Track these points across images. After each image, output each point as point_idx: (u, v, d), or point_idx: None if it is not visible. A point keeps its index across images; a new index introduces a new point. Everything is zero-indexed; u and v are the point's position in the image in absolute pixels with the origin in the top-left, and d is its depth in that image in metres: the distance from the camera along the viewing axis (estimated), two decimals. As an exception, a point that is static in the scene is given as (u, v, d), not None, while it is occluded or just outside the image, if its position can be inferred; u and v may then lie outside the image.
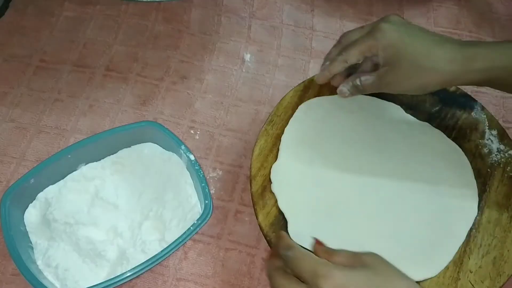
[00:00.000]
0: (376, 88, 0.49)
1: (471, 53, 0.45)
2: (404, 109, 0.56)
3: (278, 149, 0.52)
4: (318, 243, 0.40)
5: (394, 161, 0.52)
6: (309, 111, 0.54)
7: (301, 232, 0.47)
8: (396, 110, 0.55)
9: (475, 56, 0.45)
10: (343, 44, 0.50)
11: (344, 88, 0.50)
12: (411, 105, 0.56)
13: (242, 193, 0.55)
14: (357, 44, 0.48)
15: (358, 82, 0.49)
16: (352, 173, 0.51)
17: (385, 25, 0.46)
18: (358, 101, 0.54)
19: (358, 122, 0.54)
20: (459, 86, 0.58)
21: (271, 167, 0.51)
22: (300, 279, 0.36)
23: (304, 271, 0.36)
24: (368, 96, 0.54)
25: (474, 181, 0.51)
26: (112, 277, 0.45)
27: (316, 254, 0.38)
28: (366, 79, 0.48)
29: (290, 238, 0.40)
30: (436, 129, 0.55)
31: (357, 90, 0.50)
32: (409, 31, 0.47)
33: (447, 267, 0.47)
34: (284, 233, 0.40)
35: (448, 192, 0.50)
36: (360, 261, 0.37)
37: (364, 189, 0.50)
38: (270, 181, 0.51)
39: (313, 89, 0.57)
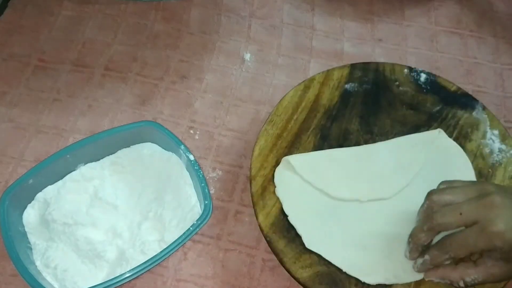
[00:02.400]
0: (483, 283, 0.43)
1: None
2: (405, 109, 0.56)
3: (278, 149, 0.52)
4: None
5: (397, 162, 0.52)
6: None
7: (312, 236, 0.47)
8: None
9: None
10: (437, 230, 0.43)
11: (436, 280, 0.44)
12: (412, 104, 0.56)
13: (242, 193, 0.54)
14: (467, 244, 0.41)
15: (461, 283, 0.42)
16: (355, 174, 0.51)
17: (501, 224, 0.39)
18: None
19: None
20: (459, 86, 0.58)
21: (271, 167, 0.51)
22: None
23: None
24: None
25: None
26: (111, 278, 0.44)
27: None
28: (475, 278, 0.42)
29: None
30: (437, 129, 0.54)
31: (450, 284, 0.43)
32: None
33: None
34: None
35: None
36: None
37: (366, 189, 0.50)
38: (270, 181, 0.50)
39: (313, 88, 0.57)
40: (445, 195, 0.43)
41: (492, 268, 0.41)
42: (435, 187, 0.46)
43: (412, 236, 0.45)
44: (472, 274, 0.42)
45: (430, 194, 0.44)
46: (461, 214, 0.41)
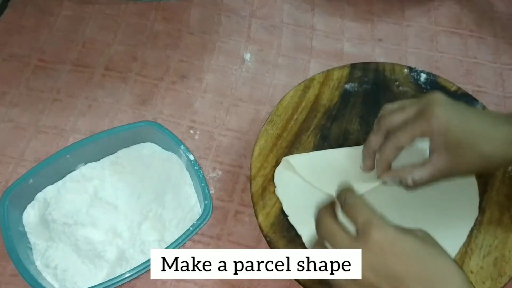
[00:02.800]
0: (431, 181, 0.44)
1: None
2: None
3: (278, 149, 0.52)
4: None
5: (395, 163, 0.52)
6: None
7: (312, 236, 0.47)
8: None
9: None
10: (384, 129, 0.46)
11: (388, 181, 0.46)
12: (412, 104, 0.56)
13: (242, 193, 0.54)
14: (409, 128, 0.43)
15: (410, 183, 0.44)
16: (355, 176, 0.51)
17: (438, 109, 0.42)
18: None
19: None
20: (459, 86, 0.58)
21: (271, 167, 0.51)
22: (352, 223, 0.37)
23: (359, 218, 0.36)
24: None
25: (475, 181, 0.51)
26: (111, 278, 0.44)
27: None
28: (422, 176, 0.43)
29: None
30: None
31: (405, 187, 0.45)
32: (463, 113, 0.43)
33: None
34: (350, 185, 0.40)
35: (449, 192, 0.50)
36: (412, 231, 0.37)
37: (367, 190, 0.50)
38: (270, 181, 0.50)
39: (313, 88, 0.57)
40: (395, 104, 0.47)
41: (436, 163, 0.43)
42: (435, 188, 0.46)
43: (364, 144, 0.48)
44: (419, 170, 0.43)
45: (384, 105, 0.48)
46: (404, 109, 0.45)
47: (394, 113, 0.46)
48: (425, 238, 0.37)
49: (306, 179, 0.50)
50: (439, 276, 0.35)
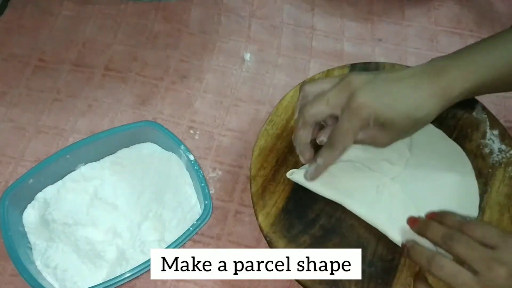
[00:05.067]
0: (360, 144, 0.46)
1: (444, 82, 0.45)
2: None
3: (278, 149, 0.52)
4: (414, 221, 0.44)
5: (398, 162, 0.52)
6: None
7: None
8: None
9: (450, 82, 0.45)
10: (311, 123, 0.45)
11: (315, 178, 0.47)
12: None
13: (242, 193, 0.54)
14: (349, 131, 0.43)
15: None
16: (355, 178, 0.51)
17: (360, 94, 0.42)
18: None
19: None
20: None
21: (271, 167, 0.51)
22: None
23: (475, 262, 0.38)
24: None
25: (475, 182, 0.51)
26: (111, 278, 0.45)
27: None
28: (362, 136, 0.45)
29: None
30: (437, 129, 0.54)
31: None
32: (383, 90, 0.43)
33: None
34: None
35: (449, 192, 0.50)
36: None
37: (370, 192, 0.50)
38: (270, 181, 0.50)
39: (313, 88, 0.57)
40: (314, 85, 0.46)
41: (375, 137, 0.45)
42: (436, 188, 0.47)
43: (294, 138, 0.47)
44: (363, 133, 0.44)
45: (303, 84, 0.46)
46: (328, 101, 0.44)
47: (317, 104, 0.44)
48: None
49: (313, 189, 0.50)
50: None
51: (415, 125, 0.45)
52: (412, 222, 0.45)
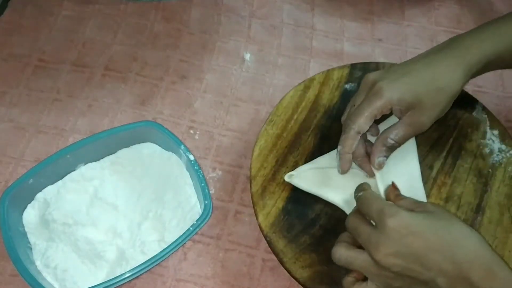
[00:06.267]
0: (411, 136, 0.48)
1: (459, 51, 0.47)
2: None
3: (278, 149, 0.52)
4: (394, 187, 0.44)
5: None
6: None
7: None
8: None
9: (466, 49, 0.47)
10: (356, 132, 0.47)
11: (380, 158, 0.47)
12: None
13: (242, 193, 0.54)
14: (364, 111, 0.45)
15: (391, 142, 0.47)
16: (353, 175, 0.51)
17: (382, 83, 0.45)
18: None
19: None
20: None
21: (271, 167, 0.51)
22: (367, 217, 0.40)
23: (372, 210, 0.39)
24: None
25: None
26: (111, 278, 0.44)
27: (387, 196, 0.43)
28: (397, 134, 0.47)
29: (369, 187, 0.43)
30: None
31: (392, 149, 0.48)
32: (402, 72, 0.46)
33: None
34: (364, 183, 0.43)
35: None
36: (424, 207, 0.40)
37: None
38: (270, 181, 0.50)
39: (313, 88, 0.57)
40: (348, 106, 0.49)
41: (404, 121, 0.46)
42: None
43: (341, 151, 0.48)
44: (393, 131, 0.47)
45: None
46: (354, 105, 0.47)
47: (347, 111, 0.49)
48: (435, 212, 0.39)
49: (312, 192, 0.50)
50: (455, 241, 0.37)
51: (442, 96, 0.46)
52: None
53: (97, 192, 0.51)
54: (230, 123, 0.59)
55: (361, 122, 0.45)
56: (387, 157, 0.48)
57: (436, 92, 0.46)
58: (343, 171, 0.48)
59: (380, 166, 0.48)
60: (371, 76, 0.47)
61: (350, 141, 0.46)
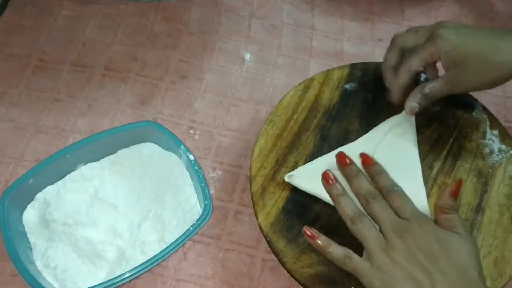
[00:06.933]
0: (446, 92, 0.49)
1: None
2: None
3: (278, 149, 0.52)
4: None
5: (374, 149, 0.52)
6: None
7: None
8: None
9: None
10: (398, 46, 0.51)
11: (413, 102, 0.50)
12: (412, 104, 0.56)
13: (242, 193, 0.54)
14: (418, 52, 0.48)
15: (427, 90, 0.49)
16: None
17: (443, 30, 0.47)
18: None
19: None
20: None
21: (271, 167, 0.51)
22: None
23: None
24: None
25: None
26: (111, 278, 0.44)
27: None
28: (434, 85, 0.49)
29: None
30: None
31: (426, 99, 0.50)
32: (467, 31, 0.47)
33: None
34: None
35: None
36: (425, 219, 0.42)
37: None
38: (270, 181, 0.50)
39: (313, 88, 0.57)
40: (409, 29, 0.52)
41: (446, 76, 0.48)
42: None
43: (383, 62, 0.53)
44: (432, 82, 0.49)
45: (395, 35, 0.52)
46: (417, 32, 0.50)
47: (407, 34, 0.51)
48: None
49: (312, 192, 0.50)
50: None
51: (488, 69, 0.46)
52: (343, 160, 0.45)
53: (97, 192, 0.51)
54: (230, 123, 0.59)
55: (413, 61, 0.48)
56: (420, 105, 0.50)
57: (485, 62, 0.46)
58: (395, 102, 0.52)
59: (412, 111, 0.50)
60: (444, 23, 0.48)
61: (402, 75, 0.50)
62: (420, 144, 0.53)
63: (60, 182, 0.51)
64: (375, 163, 0.45)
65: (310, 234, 0.42)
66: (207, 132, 0.58)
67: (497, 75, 0.46)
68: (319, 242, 0.42)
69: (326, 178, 0.44)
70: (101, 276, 0.47)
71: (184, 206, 0.51)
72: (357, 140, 0.53)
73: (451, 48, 0.46)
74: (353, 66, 0.58)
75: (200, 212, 0.49)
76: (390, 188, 0.43)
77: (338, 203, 0.43)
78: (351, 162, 0.45)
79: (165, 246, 0.46)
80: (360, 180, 0.44)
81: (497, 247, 0.48)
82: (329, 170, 0.44)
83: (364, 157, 0.45)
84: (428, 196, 0.50)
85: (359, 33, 0.68)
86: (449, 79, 0.48)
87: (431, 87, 0.49)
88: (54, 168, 0.50)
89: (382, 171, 0.44)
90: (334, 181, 0.44)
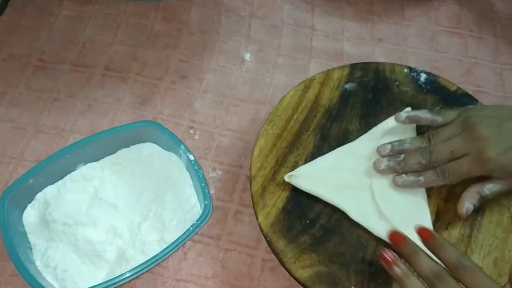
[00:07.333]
0: (503, 192, 0.48)
1: None
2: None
3: (278, 149, 0.52)
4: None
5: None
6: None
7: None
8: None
9: None
10: (433, 163, 0.48)
11: (470, 204, 0.47)
12: (412, 104, 0.56)
13: (242, 193, 0.54)
14: (463, 172, 0.46)
15: (487, 192, 0.47)
16: (353, 176, 0.51)
17: (491, 153, 0.44)
18: None
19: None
20: (459, 86, 0.58)
21: (271, 167, 0.51)
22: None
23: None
24: None
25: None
26: (111, 278, 0.44)
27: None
28: (494, 187, 0.47)
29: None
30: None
31: (482, 201, 0.48)
32: (507, 143, 0.45)
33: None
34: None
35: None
36: None
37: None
38: (270, 181, 0.50)
39: (313, 88, 0.57)
40: (443, 133, 0.49)
41: (501, 183, 0.47)
42: None
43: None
44: (489, 186, 0.47)
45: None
46: (452, 152, 0.46)
47: (440, 151, 0.47)
48: None
49: (312, 192, 0.50)
50: None
51: None
52: (398, 238, 0.41)
53: (97, 192, 0.51)
54: (230, 123, 0.59)
55: (454, 178, 0.47)
56: (475, 206, 0.47)
57: None
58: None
59: (467, 213, 0.47)
60: (478, 126, 0.45)
61: (433, 181, 0.47)
62: (420, 144, 0.53)
63: (60, 182, 0.51)
64: (435, 236, 0.40)
65: (389, 259, 0.40)
66: (207, 132, 0.58)
67: None
68: (397, 270, 0.39)
69: (385, 259, 0.40)
70: (101, 276, 0.47)
71: (184, 206, 0.51)
72: (357, 140, 0.53)
73: (501, 167, 0.45)
74: (353, 66, 0.59)
75: (200, 212, 0.49)
76: (457, 263, 0.38)
77: (404, 287, 0.39)
78: (407, 239, 0.41)
79: (165, 246, 0.46)
80: (421, 258, 0.39)
81: (497, 247, 0.48)
82: (385, 249, 0.41)
83: (422, 232, 0.41)
84: (428, 196, 0.50)
85: (359, 33, 0.68)
86: (509, 184, 0.47)
87: (491, 188, 0.47)
88: (54, 168, 0.50)
89: (445, 244, 0.39)
90: (396, 261, 0.40)
